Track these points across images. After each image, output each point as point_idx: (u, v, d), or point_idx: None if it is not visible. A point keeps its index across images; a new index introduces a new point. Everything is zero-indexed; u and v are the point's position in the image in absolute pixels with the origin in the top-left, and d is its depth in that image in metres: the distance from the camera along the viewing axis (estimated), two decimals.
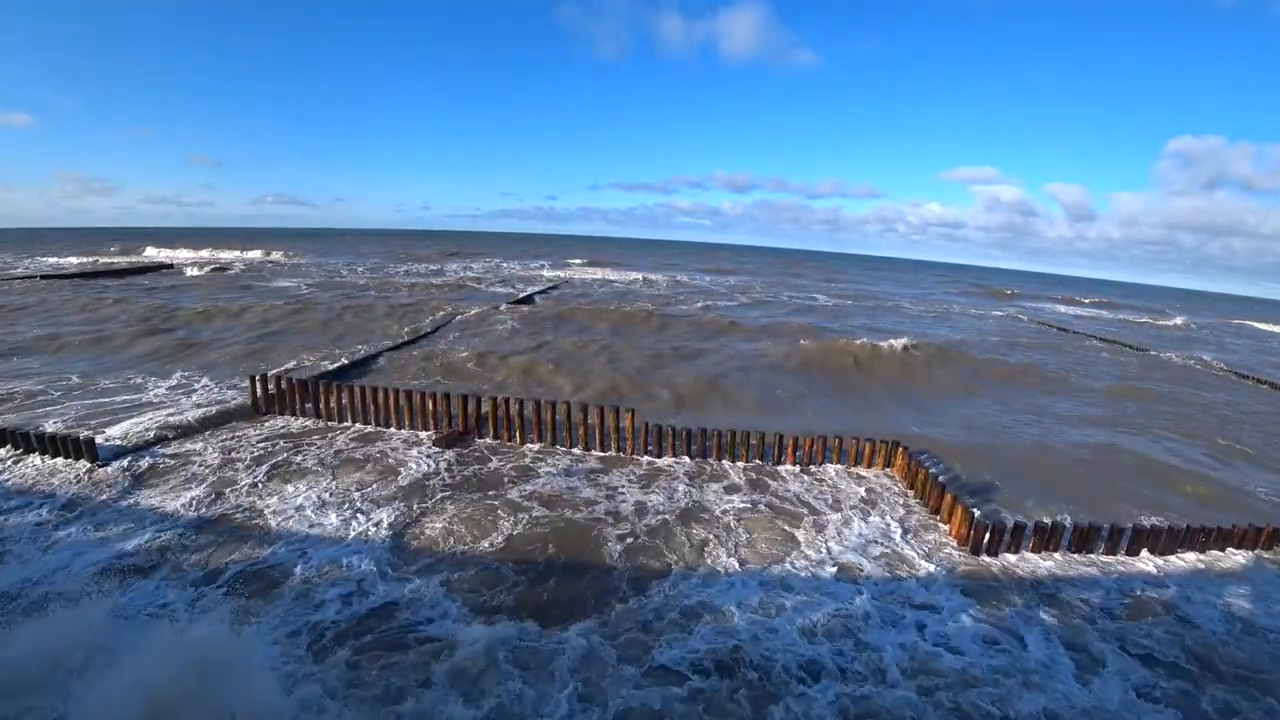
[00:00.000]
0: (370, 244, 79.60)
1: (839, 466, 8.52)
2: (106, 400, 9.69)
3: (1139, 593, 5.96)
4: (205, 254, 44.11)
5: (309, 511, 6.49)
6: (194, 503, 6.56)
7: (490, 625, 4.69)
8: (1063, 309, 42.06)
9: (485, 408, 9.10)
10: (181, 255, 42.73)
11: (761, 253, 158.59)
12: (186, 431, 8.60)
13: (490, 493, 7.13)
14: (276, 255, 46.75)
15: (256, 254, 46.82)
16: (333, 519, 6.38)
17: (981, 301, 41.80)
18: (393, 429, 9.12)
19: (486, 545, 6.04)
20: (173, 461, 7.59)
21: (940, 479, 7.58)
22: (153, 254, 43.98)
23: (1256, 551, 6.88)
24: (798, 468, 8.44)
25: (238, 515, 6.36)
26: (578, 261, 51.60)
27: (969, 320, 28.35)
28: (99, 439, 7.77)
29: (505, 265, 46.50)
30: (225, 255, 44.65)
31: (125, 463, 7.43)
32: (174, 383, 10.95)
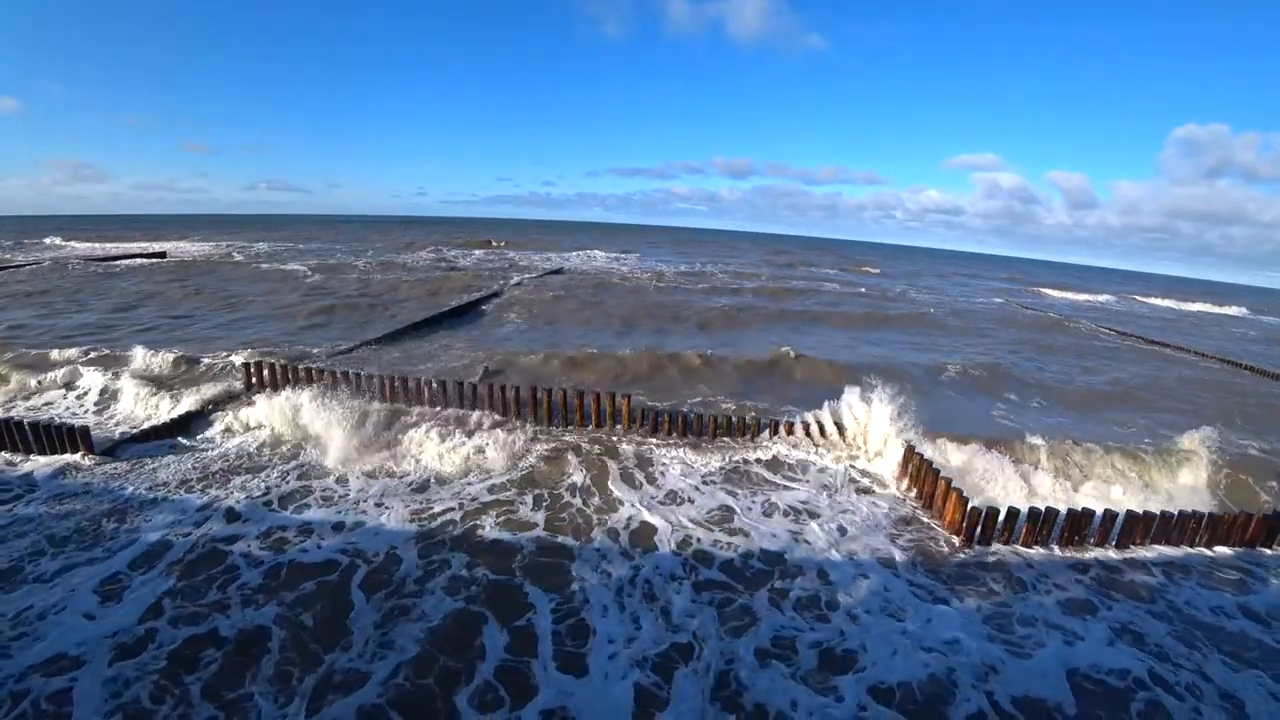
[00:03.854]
0: (349, 230, 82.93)
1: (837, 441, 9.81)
2: None
3: (1133, 579, 7.04)
4: (154, 246, 45.27)
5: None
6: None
7: None
8: (1138, 309, 41.27)
9: (481, 391, 10.55)
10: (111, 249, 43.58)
11: (761, 239, 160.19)
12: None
13: None
14: (240, 244, 48.96)
15: (233, 243, 49.23)
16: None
17: (1061, 306, 38.31)
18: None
19: None
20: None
21: (934, 466, 8.80)
22: (57, 243, 46.26)
23: (1247, 538, 7.97)
24: (790, 451, 9.74)
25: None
26: (578, 253, 52.96)
27: (1120, 357, 20.46)
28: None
29: (506, 255, 47.59)
30: (186, 247, 46.96)
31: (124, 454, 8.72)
32: None
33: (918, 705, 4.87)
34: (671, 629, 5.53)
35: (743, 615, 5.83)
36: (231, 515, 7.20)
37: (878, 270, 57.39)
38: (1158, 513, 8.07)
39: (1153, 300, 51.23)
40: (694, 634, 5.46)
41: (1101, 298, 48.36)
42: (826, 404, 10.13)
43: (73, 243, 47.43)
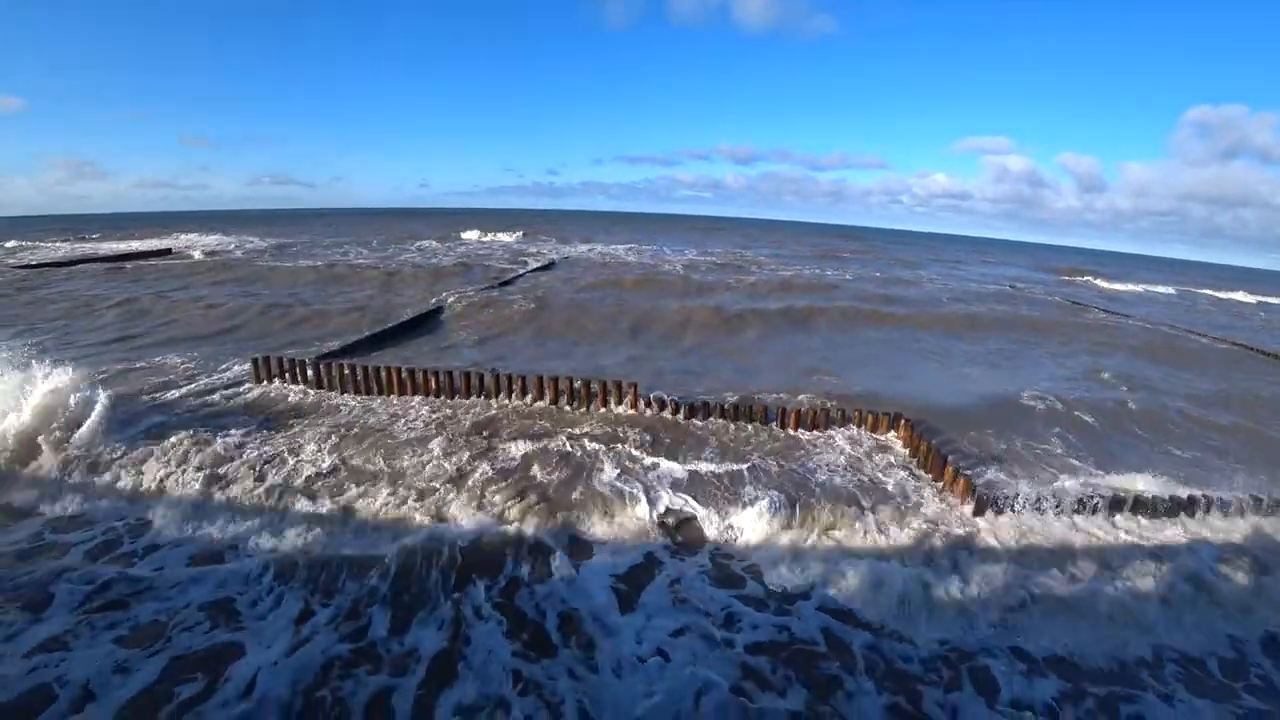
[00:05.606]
0: (351, 224, 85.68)
1: (843, 430, 10.57)
2: None
3: (1135, 562, 7.54)
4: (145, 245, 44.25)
5: None
6: None
7: None
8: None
9: (488, 382, 11.50)
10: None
11: (770, 226, 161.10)
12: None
13: None
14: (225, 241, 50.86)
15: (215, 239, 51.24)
16: None
17: (1132, 302, 35.92)
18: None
19: None
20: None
21: (941, 450, 9.48)
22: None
23: (1256, 519, 8.49)
24: (805, 432, 10.56)
25: None
26: (587, 246, 53.40)
27: None
28: None
29: (513, 247, 48.40)
30: (133, 244, 48.88)
31: None
32: None
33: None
34: None
35: None
36: None
37: (910, 258, 57.36)
38: (1166, 496, 8.68)
39: (1222, 293, 49.44)
40: None
41: (1159, 289, 47.55)
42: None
43: (45, 243, 45.86)
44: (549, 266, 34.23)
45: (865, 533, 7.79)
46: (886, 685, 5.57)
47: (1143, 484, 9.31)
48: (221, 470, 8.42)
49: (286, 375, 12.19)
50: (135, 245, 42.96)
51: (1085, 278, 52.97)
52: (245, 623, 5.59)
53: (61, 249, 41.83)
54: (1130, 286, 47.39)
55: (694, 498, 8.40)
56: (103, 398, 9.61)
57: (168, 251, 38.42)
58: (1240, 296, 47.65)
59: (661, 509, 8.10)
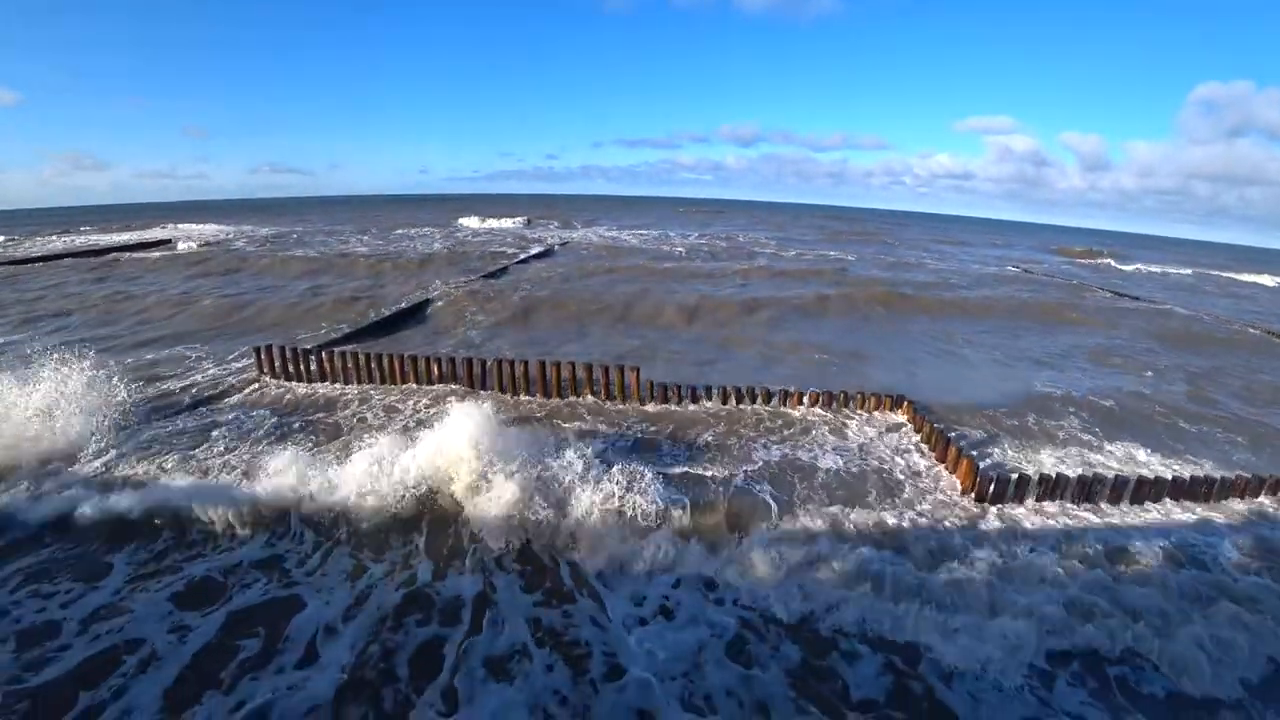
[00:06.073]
0: (352, 211, 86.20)
1: (847, 412, 11.08)
2: None
3: (1137, 543, 7.80)
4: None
5: None
6: None
7: None
8: None
9: (490, 368, 11.95)
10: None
11: (777, 210, 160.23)
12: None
13: None
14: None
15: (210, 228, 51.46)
16: None
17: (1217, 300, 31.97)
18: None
19: None
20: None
21: (945, 431, 9.91)
22: None
23: (1260, 500, 8.89)
24: (808, 414, 11.03)
25: None
26: (588, 230, 53.33)
27: None
28: None
29: (521, 233, 48.92)
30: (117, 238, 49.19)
31: None
32: None
33: None
34: None
35: None
36: None
37: (914, 240, 57.29)
38: (1169, 477, 9.03)
39: (1242, 275, 48.93)
40: None
41: (1174, 271, 47.27)
42: None
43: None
44: (551, 252, 34.40)
45: (862, 514, 8.14)
46: (880, 648, 6.07)
47: (1148, 469, 9.71)
48: (231, 458, 8.87)
49: (289, 364, 12.57)
50: (131, 237, 43.12)
51: (1099, 260, 52.91)
52: (298, 578, 6.31)
53: (55, 242, 42.04)
54: (1147, 268, 47.36)
55: (693, 483, 8.71)
56: (120, 389, 10.05)
57: (164, 243, 38.73)
58: (1263, 279, 47.24)
59: (659, 493, 8.14)
